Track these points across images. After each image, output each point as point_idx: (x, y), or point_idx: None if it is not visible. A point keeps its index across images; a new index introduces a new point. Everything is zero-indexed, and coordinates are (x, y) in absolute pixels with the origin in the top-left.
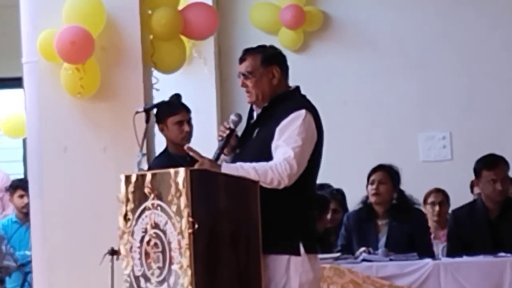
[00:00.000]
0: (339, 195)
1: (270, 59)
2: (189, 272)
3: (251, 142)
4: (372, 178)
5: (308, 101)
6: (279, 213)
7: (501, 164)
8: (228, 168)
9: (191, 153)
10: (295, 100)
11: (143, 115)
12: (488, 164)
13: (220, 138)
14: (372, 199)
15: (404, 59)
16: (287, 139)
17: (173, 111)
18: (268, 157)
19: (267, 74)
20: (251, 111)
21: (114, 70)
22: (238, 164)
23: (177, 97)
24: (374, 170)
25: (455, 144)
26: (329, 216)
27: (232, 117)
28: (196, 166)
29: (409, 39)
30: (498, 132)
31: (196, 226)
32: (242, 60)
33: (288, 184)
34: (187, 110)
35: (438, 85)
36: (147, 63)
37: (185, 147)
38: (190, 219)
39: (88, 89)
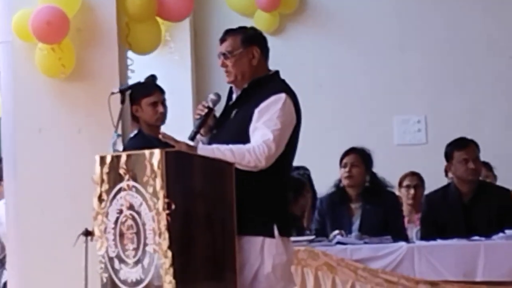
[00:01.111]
0: (306, 176)
1: (250, 40)
2: (169, 253)
3: (229, 123)
4: (344, 161)
5: (288, 85)
6: (255, 195)
7: (472, 145)
8: (204, 150)
9: (166, 140)
10: (275, 83)
11: (118, 96)
12: (459, 145)
13: (198, 116)
14: (344, 182)
15: (380, 42)
16: (266, 122)
17: (147, 92)
18: (245, 138)
19: (247, 54)
20: (230, 93)
21: (89, 51)
22: (214, 146)
23: (152, 78)
24: (347, 153)
25: (430, 127)
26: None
27: (211, 96)
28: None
29: (384, 22)
30: (473, 116)
31: (173, 207)
32: (222, 40)
33: (265, 167)
34: (161, 91)
35: (413, 68)
36: (123, 44)
37: (160, 136)
38: (166, 200)
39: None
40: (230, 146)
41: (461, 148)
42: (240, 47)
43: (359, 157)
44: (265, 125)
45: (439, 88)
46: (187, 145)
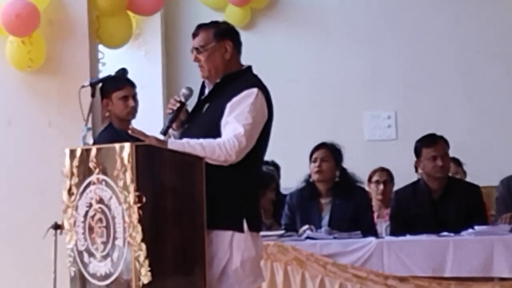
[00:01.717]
0: (272, 173)
1: (223, 34)
2: (143, 246)
3: (201, 117)
4: (314, 156)
5: (260, 81)
6: (225, 189)
7: (441, 141)
8: (174, 144)
9: (135, 135)
10: (247, 78)
11: (88, 89)
12: (427, 142)
13: (170, 111)
14: (314, 177)
15: (351, 38)
16: (237, 116)
17: (118, 86)
18: (216, 133)
19: (219, 49)
20: (202, 87)
21: (60, 44)
22: (185, 140)
23: (123, 72)
24: (317, 148)
25: (400, 123)
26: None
27: (183, 90)
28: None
29: (355, 18)
30: (442, 112)
31: (144, 200)
32: (195, 35)
33: (235, 161)
34: (132, 85)
35: (384, 64)
36: (93, 37)
37: (129, 130)
38: (137, 193)
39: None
40: (201, 140)
41: (429, 145)
42: (213, 42)
43: (329, 152)
44: (236, 119)
45: (409, 84)
46: (157, 139)
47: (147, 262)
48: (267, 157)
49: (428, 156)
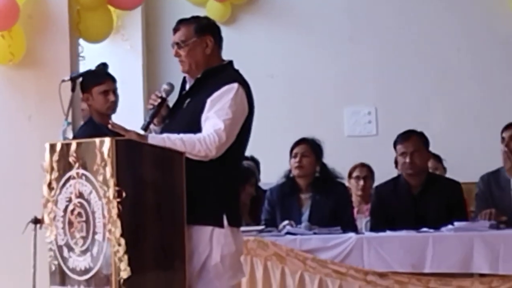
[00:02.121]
0: (253, 168)
1: (203, 29)
2: (122, 241)
3: (181, 112)
4: (294, 151)
5: (241, 76)
6: (205, 184)
7: (413, 137)
8: (155, 139)
9: (116, 130)
10: (228, 73)
11: (69, 83)
12: (401, 138)
13: (151, 106)
14: (295, 172)
15: (331, 34)
16: (218, 111)
17: (98, 81)
18: (197, 128)
19: (200, 44)
20: (183, 82)
21: (40, 38)
22: (165, 135)
23: (103, 66)
24: (297, 143)
25: (380, 119)
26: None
27: (164, 86)
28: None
29: (336, 13)
30: (423, 108)
31: (124, 195)
32: (175, 30)
33: (215, 156)
34: (113, 80)
35: (364, 60)
36: (74, 32)
37: (109, 125)
38: (117, 188)
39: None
40: (181, 135)
41: (401, 142)
42: (194, 37)
43: (309, 148)
44: (216, 114)
45: (390, 80)
46: (137, 134)
47: (126, 257)
48: (247, 153)
49: (399, 153)
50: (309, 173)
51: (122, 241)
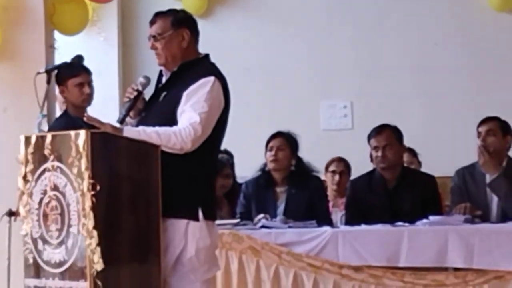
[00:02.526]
0: (231, 162)
1: (180, 22)
2: (95, 233)
3: (158, 105)
4: (270, 144)
5: (217, 69)
6: (180, 177)
7: (386, 131)
8: (130, 131)
9: (91, 122)
10: (204, 66)
11: (44, 76)
12: (374, 132)
13: (127, 99)
14: (270, 166)
15: (308, 28)
16: (194, 104)
17: (73, 73)
18: (173, 121)
19: (177, 37)
20: (160, 75)
21: (15, 30)
22: (141, 128)
23: (78, 58)
24: (273, 137)
25: (356, 113)
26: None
27: (141, 79)
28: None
29: (312, 7)
30: (398, 102)
31: (98, 188)
32: (152, 22)
33: (190, 149)
34: (88, 72)
35: (340, 54)
36: (49, 24)
37: (85, 118)
38: (91, 181)
39: None
40: (157, 128)
41: (374, 136)
42: (170, 29)
43: (285, 141)
44: (192, 108)
45: (366, 74)
46: (113, 126)
47: (99, 249)
48: (225, 147)
49: (372, 147)
50: (284, 166)
51: (95, 233)
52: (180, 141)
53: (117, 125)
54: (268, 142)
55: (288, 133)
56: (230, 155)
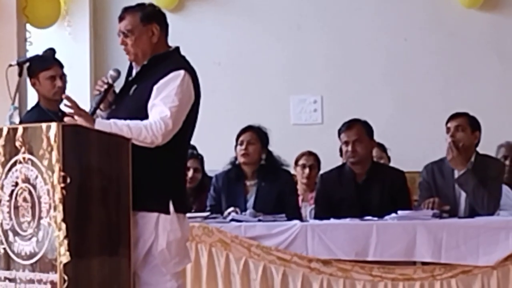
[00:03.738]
0: (200, 156)
1: (149, 17)
2: (63, 226)
3: (128, 99)
4: (241, 138)
5: (187, 62)
6: (151, 171)
7: (356, 126)
8: (102, 124)
9: (69, 103)
10: (174, 60)
11: (16, 68)
12: (344, 126)
13: (97, 92)
14: (241, 160)
15: (278, 22)
16: (164, 98)
17: (45, 66)
18: (143, 114)
19: (146, 32)
20: (130, 68)
21: None
22: (112, 121)
23: (50, 51)
24: (243, 131)
25: (326, 108)
26: (190, 174)
27: (111, 72)
28: (70, 118)
29: (283, 2)
30: (368, 97)
31: (68, 180)
32: (121, 18)
33: (161, 143)
34: (60, 65)
35: (310, 49)
36: (21, 16)
37: (64, 96)
38: (62, 173)
39: None
40: (128, 121)
41: (344, 130)
42: (139, 25)
43: (255, 135)
44: (162, 101)
45: (336, 68)
46: (87, 114)
47: (65, 242)
48: (195, 140)
49: (342, 141)
50: (255, 160)
51: (63, 225)
52: (150, 135)
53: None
54: (238, 136)
55: (259, 127)
56: (194, 148)
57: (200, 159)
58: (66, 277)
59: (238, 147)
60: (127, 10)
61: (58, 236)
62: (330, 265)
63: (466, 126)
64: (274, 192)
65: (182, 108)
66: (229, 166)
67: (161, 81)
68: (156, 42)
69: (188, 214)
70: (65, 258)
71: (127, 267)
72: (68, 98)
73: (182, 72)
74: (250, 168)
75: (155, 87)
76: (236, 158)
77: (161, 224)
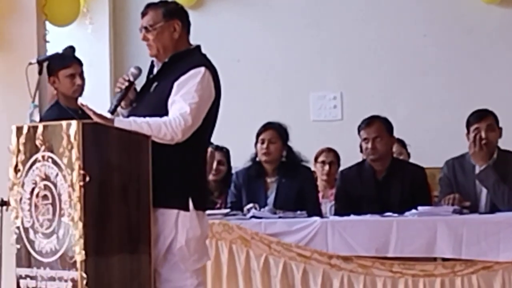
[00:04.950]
0: (225, 149)
1: (171, 13)
2: (80, 224)
3: (149, 96)
4: (261, 137)
5: (208, 60)
6: (171, 168)
7: (376, 123)
8: (121, 122)
9: (85, 110)
10: (195, 57)
11: (35, 66)
12: (364, 123)
13: (118, 90)
14: (262, 158)
15: (298, 18)
16: (184, 95)
17: (65, 64)
18: (164, 111)
19: (168, 28)
20: (151, 66)
21: (7, 20)
22: (131, 118)
23: (70, 49)
24: (264, 129)
25: (345, 104)
26: (214, 165)
27: (132, 69)
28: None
29: None
30: (388, 93)
31: (88, 178)
32: (144, 14)
33: (181, 140)
34: (79, 63)
35: (330, 45)
36: (41, 14)
37: (79, 103)
38: (81, 171)
39: None
40: (147, 119)
41: (364, 127)
42: (162, 21)
43: (276, 133)
44: (182, 98)
45: (355, 65)
46: (104, 117)
47: (81, 240)
48: (215, 137)
49: (362, 138)
50: (276, 158)
51: (80, 224)
52: (170, 131)
53: (108, 115)
54: (259, 134)
55: (279, 125)
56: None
57: (225, 151)
58: (85, 275)
59: (259, 145)
60: (150, 6)
61: (75, 235)
62: (351, 262)
63: (495, 125)
64: (294, 188)
65: (202, 105)
66: (249, 163)
67: (182, 78)
68: (177, 38)
69: (208, 212)
70: (80, 256)
71: (147, 264)
72: (85, 107)
73: (202, 69)
74: (271, 166)
75: (175, 84)
76: (256, 155)
77: (181, 221)
